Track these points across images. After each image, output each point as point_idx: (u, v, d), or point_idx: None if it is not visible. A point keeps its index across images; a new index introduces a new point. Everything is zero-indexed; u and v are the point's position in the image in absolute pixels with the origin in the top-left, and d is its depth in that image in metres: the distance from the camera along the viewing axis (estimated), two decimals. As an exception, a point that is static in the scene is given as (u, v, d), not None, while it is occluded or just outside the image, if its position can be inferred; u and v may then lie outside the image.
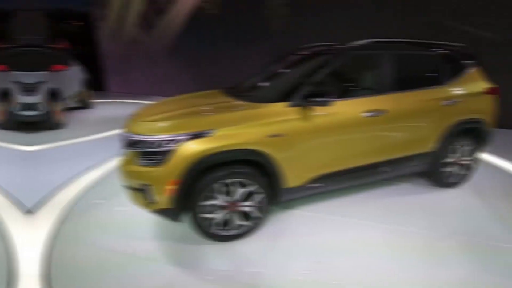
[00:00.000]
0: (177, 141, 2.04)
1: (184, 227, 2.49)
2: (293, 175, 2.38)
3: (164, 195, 2.08)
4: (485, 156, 4.07)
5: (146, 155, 2.14)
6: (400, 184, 3.29)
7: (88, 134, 5.40)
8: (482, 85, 3.07)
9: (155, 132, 2.12)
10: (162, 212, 2.16)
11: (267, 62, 3.38)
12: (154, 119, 2.29)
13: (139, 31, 9.52)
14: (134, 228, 2.55)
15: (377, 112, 2.55)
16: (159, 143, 2.06)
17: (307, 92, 2.28)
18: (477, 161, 3.22)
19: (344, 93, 2.70)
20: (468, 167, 3.18)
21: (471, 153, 3.13)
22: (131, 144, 2.19)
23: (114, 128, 5.66)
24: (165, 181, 2.04)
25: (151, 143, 2.08)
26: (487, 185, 3.26)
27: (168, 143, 2.04)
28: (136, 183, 2.19)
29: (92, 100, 8.07)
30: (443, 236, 2.40)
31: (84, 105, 7.66)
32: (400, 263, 2.13)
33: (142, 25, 9.40)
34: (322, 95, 2.23)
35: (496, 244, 2.31)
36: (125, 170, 2.25)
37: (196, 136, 2.06)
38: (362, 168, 2.69)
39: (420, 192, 3.12)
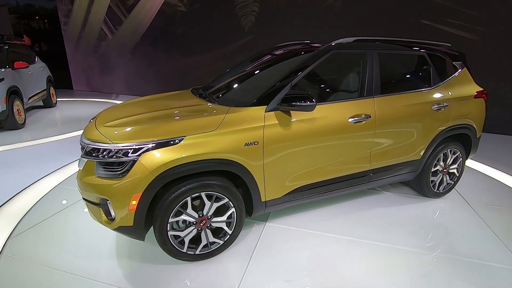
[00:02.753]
0: (140, 150, 1.80)
1: (148, 245, 2.25)
2: (271, 187, 2.20)
3: (124, 212, 1.82)
4: (468, 162, 4.13)
5: (104, 165, 1.88)
6: (384, 192, 3.22)
7: (50, 135, 5.03)
8: (472, 88, 2.97)
9: (114, 139, 1.85)
10: (123, 230, 1.90)
11: (241, 60, 3.18)
12: (113, 124, 2.01)
13: (106, 28, 9.01)
14: (91, 245, 2.27)
15: (363, 117, 2.39)
16: (119, 152, 1.80)
17: (287, 95, 2.07)
18: (463, 169, 3.14)
19: (325, 96, 2.55)
20: (455, 176, 3.12)
21: (459, 160, 3.06)
22: (88, 152, 1.92)
23: (78, 129, 5.32)
24: (126, 195, 1.79)
25: (109, 152, 1.82)
26: (473, 193, 3.22)
27: (129, 152, 1.80)
28: (93, 197, 1.92)
29: (56, 99, 7.55)
30: (425, 253, 2.30)
31: (47, 104, 7.19)
32: (385, 280, 2.02)
33: (109, 22, 8.90)
34: (304, 98, 2.02)
35: (484, 263, 2.23)
36: (82, 181, 1.97)
37: (162, 144, 1.82)
38: (346, 178, 2.53)
39: (404, 203, 3.00)
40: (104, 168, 1.88)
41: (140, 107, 2.42)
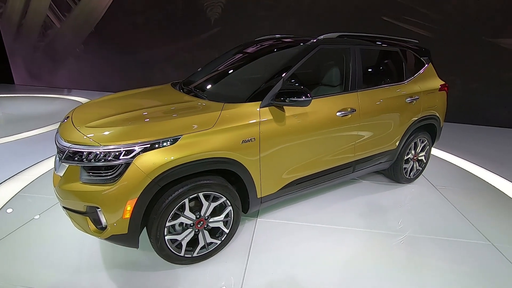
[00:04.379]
0: (134, 152, 1.66)
1: (135, 251, 2.12)
2: (266, 183, 2.19)
3: (118, 219, 1.68)
4: (434, 150, 4.53)
5: (90, 170, 1.70)
6: (362, 181, 3.39)
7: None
8: (437, 81, 3.26)
9: (102, 141, 1.68)
10: (117, 238, 1.75)
11: (208, 53, 3.08)
12: (98, 124, 1.83)
13: (53, 15, 8.11)
14: (70, 257, 2.06)
15: (349, 111, 2.47)
16: (108, 155, 1.64)
17: (282, 90, 2.06)
18: (430, 156, 3.46)
19: (314, 91, 2.58)
20: (423, 162, 3.41)
21: (427, 148, 3.35)
22: (71, 155, 1.71)
23: (26, 129, 4.72)
24: (120, 201, 1.64)
25: (96, 155, 1.65)
26: (437, 178, 3.55)
27: (121, 155, 1.65)
28: (78, 205, 1.73)
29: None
30: (413, 235, 2.48)
31: (-17, 102, 6.27)
32: (373, 270, 2.14)
33: (55, 8, 8.02)
34: (299, 94, 2.01)
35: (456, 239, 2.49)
36: (62, 188, 1.76)
37: (157, 144, 1.70)
38: (334, 170, 2.62)
39: (381, 190, 3.21)
40: (90, 173, 1.70)
41: (121, 104, 2.22)
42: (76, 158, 1.69)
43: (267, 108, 2.10)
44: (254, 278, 1.95)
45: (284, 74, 2.19)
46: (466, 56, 6.07)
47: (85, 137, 1.73)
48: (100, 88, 8.40)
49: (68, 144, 1.74)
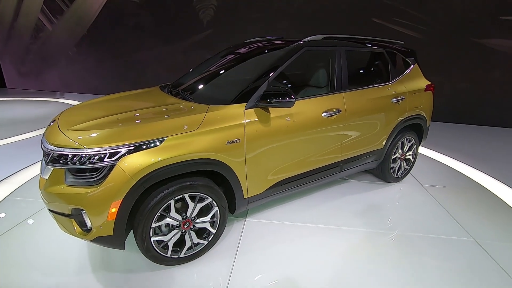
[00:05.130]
0: (118, 154, 1.68)
1: (122, 252, 2.13)
2: (253, 183, 2.22)
3: (102, 221, 1.70)
4: (421, 149, 4.59)
5: (75, 172, 1.72)
6: (351, 181, 3.43)
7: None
8: (423, 82, 3.32)
9: (86, 143, 1.70)
10: (102, 240, 1.77)
11: (201, 55, 3.12)
12: (83, 128, 1.84)
13: (44, 18, 8.08)
14: (58, 260, 2.07)
15: (334, 111, 2.51)
16: (93, 158, 1.66)
17: (266, 92, 2.09)
18: (417, 155, 3.52)
19: (298, 92, 2.62)
20: (410, 161, 3.46)
21: (414, 147, 3.40)
22: (56, 158, 1.73)
23: (17, 133, 4.70)
24: (104, 203, 1.66)
25: (81, 158, 1.67)
26: (425, 177, 3.61)
27: (105, 157, 1.66)
28: (63, 208, 1.75)
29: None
30: (399, 234, 2.52)
31: (-26, 105, 6.23)
32: (360, 266, 2.17)
33: (47, 11, 7.99)
34: (283, 95, 2.05)
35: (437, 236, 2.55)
36: (48, 191, 1.77)
37: (142, 146, 1.72)
38: (321, 170, 2.66)
39: (369, 189, 3.25)
40: (75, 175, 1.71)
41: (107, 107, 2.24)
42: (61, 161, 1.71)
43: (252, 109, 2.13)
44: (240, 278, 1.98)
45: (269, 76, 2.23)
46: (454, 56, 6.17)
47: (70, 140, 1.75)
48: (93, 91, 8.37)
49: (53, 147, 1.75)
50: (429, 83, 3.38)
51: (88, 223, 1.73)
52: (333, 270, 2.08)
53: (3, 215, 2.58)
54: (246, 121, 2.08)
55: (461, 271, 2.12)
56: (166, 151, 1.76)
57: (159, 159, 1.73)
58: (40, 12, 8.06)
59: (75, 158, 1.68)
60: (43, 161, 1.90)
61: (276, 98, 2.06)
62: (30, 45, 8.49)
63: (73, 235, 1.81)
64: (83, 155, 1.67)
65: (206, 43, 7.26)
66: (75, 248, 2.19)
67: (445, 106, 6.44)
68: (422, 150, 4.60)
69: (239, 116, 2.06)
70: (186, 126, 1.87)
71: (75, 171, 1.71)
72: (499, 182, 3.59)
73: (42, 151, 1.89)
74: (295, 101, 2.08)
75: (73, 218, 1.76)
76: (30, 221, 2.50)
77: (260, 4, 6.75)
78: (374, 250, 2.30)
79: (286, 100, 2.05)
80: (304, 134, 2.38)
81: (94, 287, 1.86)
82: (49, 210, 1.84)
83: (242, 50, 2.85)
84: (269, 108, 2.18)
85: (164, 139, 1.78)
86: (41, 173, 1.91)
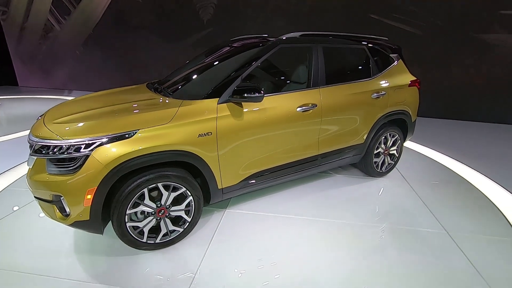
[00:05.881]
0: (93, 145, 1.82)
1: (107, 238, 2.29)
2: (227, 175, 2.34)
3: (79, 206, 1.85)
4: (408, 144, 4.61)
5: (55, 162, 1.87)
6: (335, 175, 3.50)
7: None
8: (407, 77, 3.34)
9: (65, 135, 1.85)
10: (80, 225, 1.92)
11: (196, 54, 3.24)
12: (63, 121, 2.00)
13: (53, 19, 8.40)
14: (48, 244, 2.24)
15: (310, 106, 2.59)
16: (71, 148, 1.81)
17: (238, 87, 2.19)
18: (402, 150, 3.55)
19: (275, 88, 2.70)
20: (395, 156, 3.50)
21: (398, 142, 3.44)
22: (37, 149, 1.89)
23: (25, 129, 5.00)
24: (80, 190, 1.81)
25: (60, 148, 1.82)
26: (411, 171, 3.65)
27: (81, 148, 1.81)
28: (46, 194, 1.91)
29: (-3, 97, 6.96)
30: (373, 225, 2.59)
31: (-14, 103, 6.60)
32: (337, 255, 2.24)
33: (55, 11, 8.30)
34: (253, 90, 2.16)
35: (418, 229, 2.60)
36: (32, 179, 1.94)
37: (115, 138, 1.86)
38: (298, 163, 2.74)
39: (353, 183, 3.32)
40: (55, 165, 1.87)
41: (90, 102, 2.40)
42: (43, 152, 1.87)
43: (225, 104, 2.24)
44: (209, 265, 2.08)
45: (242, 72, 2.33)
46: (452, 52, 6.09)
47: (51, 132, 1.91)
48: (99, 89, 8.60)
49: (36, 139, 1.92)
50: (414, 78, 3.40)
51: (67, 208, 1.88)
52: (302, 261, 2.16)
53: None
54: (219, 115, 2.19)
55: (428, 262, 2.17)
56: (137, 142, 1.89)
57: (130, 150, 1.86)
58: (48, 13, 8.38)
59: (55, 149, 1.84)
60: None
61: (246, 93, 2.16)
62: (40, 45, 8.85)
63: (54, 220, 1.98)
64: (62, 146, 1.82)
65: (206, 41, 7.39)
66: (66, 236, 2.35)
67: (444, 102, 6.38)
68: (412, 145, 4.61)
69: (212, 110, 2.18)
70: (158, 120, 1.99)
71: (55, 160, 1.87)
72: (484, 177, 3.58)
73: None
74: (263, 96, 2.18)
75: (54, 204, 1.92)
76: (14, 204, 2.69)
77: (259, 2, 6.82)
78: (346, 241, 2.38)
79: (255, 95, 2.16)
80: (278, 128, 2.47)
81: (78, 268, 2.02)
82: (35, 197, 2.01)
83: (224, 48, 2.96)
84: (243, 103, 2.28)
85: (136, 132, 1.91)
86: (28, 163, 2.08)
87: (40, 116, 2.30)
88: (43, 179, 1.88)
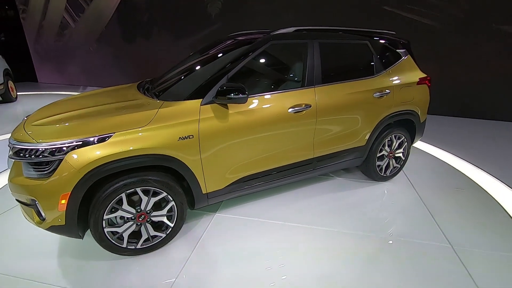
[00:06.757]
0: (66, 149, 1.77)
1: (93, 242, 2.26)
2: (211, 179, 2.23)
3: (54, 211, 1.81)
4: (419, 144, 4.30)
5: (32, 165, 1.84)
6: (336, 178, 3.32)
7: (4, 133, 4.79)
8: (415, 75, 3.06)
9: (40, 138, 1.81)
10: (56, 229, 1.89)
11: (189, 53, 3.14)
12: (41, 123, 1.97)
13: (68, 16, 8.58)
14: (32, 248, 2.25)
15: (303, 107, 2.42)
16: (45, 152, 1.77)
17: (221, 88, 2.07)
18: (409, 153, 3.27)
19: (266, 88, 2.55)
20: (401, 160, 3.24)
21: (404, 144, 3.18)
22: (16, 152, 1.87)
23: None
24: (54, 195, 1.77)
25: (36, 152, 1.78)
26: (418, 175, 3.39)
27: (55, 151, 1.77)
28: (23, 197, 1.89)
29: (16, 93, 7.21)
30: (368, 236, 2.41)
31: (5, 99, 6.86)
32: (325, 267, 2.12)
33: (70, 9, 8.48)
34: (237, 91, 2.03)
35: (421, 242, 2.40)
36: (11, 182, 1.93)
37: (89, 142, 1.80)
38: (291, 167, 2.59)
39: (353, 188, 3.11)
40: (32, 168, 1.84)
41: (73, 104, 2.35)
42: (20, 154, 1.84)
43: (209, 105, 2.13)
44: (192, 270, 2.02)
45: (228, 71, 2.20)
46: (473, 45, 5.63)
47: (27, 135, 1.88)
48: (111, 85, 8.76)
49: (13, 142, 1.90)
50: (424, 75, 3.13)
51: (42, 213, 1.85)
52: (285, 268, 2.05)
53: None
54: (201, 117, 2.08)
55: (425, 279, 1.98)
56: (112, 146, 1.82)
57: (105, 154, 1.80)
58: (64, 11, 8.57)
59: (32, 152, 1.80)
60: (11, 154, 2.06)
61: (230, 94, 2.04)
62: (56, 42, 9.09)
63: (33, 224, 1.96)
64: (37, 149, 1.79)
65: (215, 36, 7.22)
66: (51, 239, 2.33)
67: (460, 100, 5.96)
68: (423, 145, 4.31)
69: (193, 112, 2.07)
70: (134, 123, 1.91)
71: (32, 163, 1.84)
72: (502, 184, 3.27)
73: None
74: (247, 97, 2.05)
75: (32, 207, 1.89)
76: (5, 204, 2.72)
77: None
78: (336, 251, 2.23)
79: (238, 96, 2.03)
80: (267, 130, 2.34)
81: (60, 273, 2.00)
82: (16, 199, 2.00)
83: (216, 46, 2.83)
84: (228, 104, 2.16)
85: (111, 135, 1.84)
86: (7, 165, 2.07)
87: (25, 117, 2.29)
88: (19, 182, 1.86)
